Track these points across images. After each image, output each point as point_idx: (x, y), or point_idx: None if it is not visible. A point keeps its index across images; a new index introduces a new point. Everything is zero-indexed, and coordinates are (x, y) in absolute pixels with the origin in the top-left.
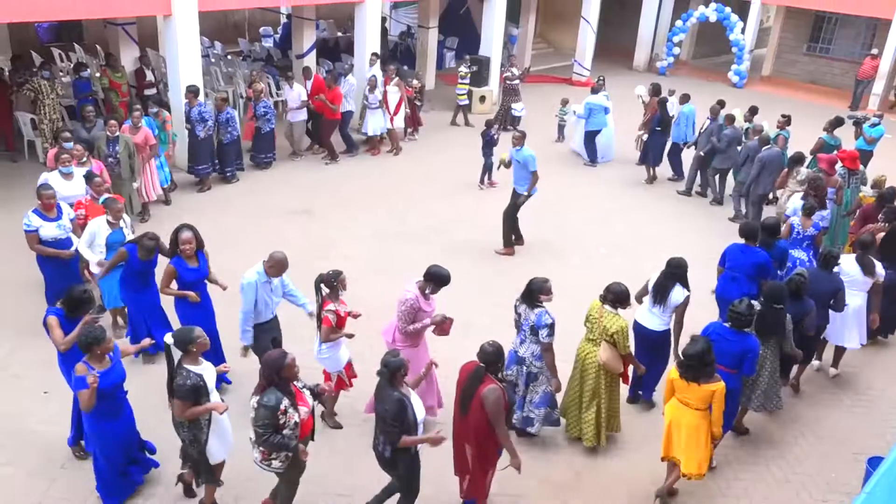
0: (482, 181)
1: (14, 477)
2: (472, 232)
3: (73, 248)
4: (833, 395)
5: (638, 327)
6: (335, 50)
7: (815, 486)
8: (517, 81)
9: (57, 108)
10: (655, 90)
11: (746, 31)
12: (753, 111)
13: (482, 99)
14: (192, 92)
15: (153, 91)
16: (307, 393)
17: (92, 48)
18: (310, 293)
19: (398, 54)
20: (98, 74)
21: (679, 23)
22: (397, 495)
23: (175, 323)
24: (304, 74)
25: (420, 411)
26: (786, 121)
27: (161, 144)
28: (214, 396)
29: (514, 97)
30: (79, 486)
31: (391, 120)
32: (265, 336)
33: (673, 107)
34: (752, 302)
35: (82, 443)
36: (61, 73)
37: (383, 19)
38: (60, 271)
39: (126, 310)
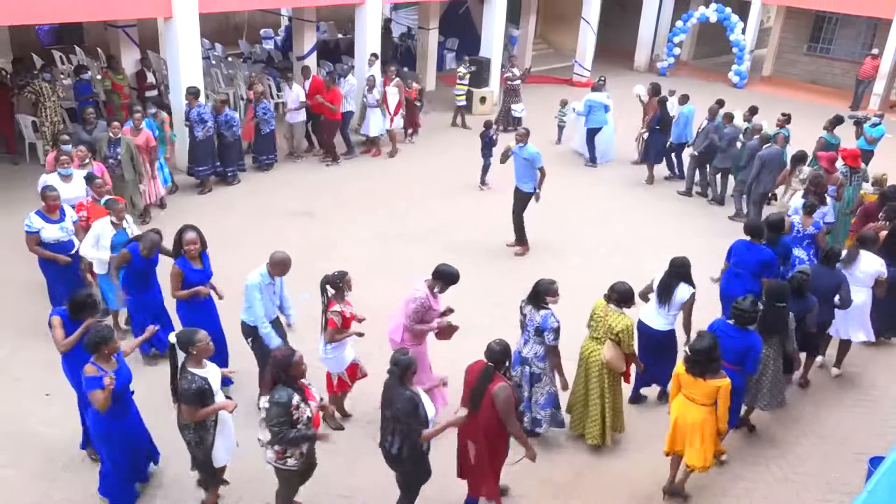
0: (483, 182)
1: (14, 478)
2: (472, 233)
3: (73, 252)
4: (835, 395)
5: (642, 327)
6: (336, 51)
7: (816, 486)
8: (518, 82)
9: (58, 110)
10: (655, 90)
11: (747, 31)
12: (753, 111)
13: (483, 100)
14: (192, 93)
15: (154, 93)
16: (314, 389)
17: (93, 50)
18: (311, 294)
19: (398, 56)
20: (99, 77)
21: (679, 23)
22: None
23: (178, 326)
24: (302, 74)
25: (430, 408)
26: (786, 119)
27: (160, 145)
28: (220, 398)
29: (514, 98)
30: (80, 487)
31: (391, 121)
32: None
33: (673, 107)
34: (756, 299)
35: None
36: (62, 76)
37: (388, 21)
38: (62, 273)
39: (126, 312)
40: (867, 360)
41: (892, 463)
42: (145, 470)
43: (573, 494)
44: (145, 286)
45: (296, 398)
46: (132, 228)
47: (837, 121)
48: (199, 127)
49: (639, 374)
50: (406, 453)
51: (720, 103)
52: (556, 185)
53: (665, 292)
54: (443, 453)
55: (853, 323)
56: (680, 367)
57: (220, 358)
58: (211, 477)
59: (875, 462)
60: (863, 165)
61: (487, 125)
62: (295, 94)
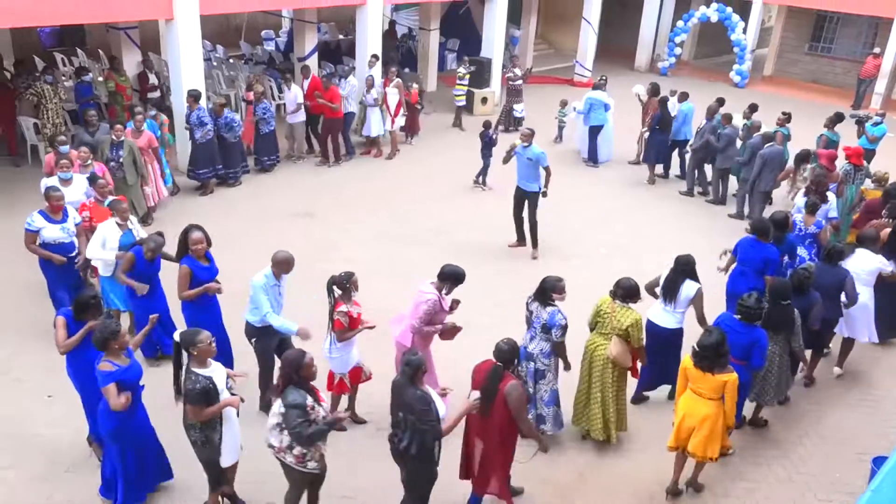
0: (483, 182)
1: (16, 480)
2: (472, 233)
3: (73, 254)
4: (837, 395)
5: (651, 326)
6: (337, 52)
7: (819, 486)
8: (520, 82)
9: (60, 112)
10: (654, 90)
11: (748, 30)
12: (753, 108)
13: (484, 100)
14: (193, 96)
15: (156, 94)
16: (321, 393)
17: (94, 52)
18: (312, 295)
19: (399, 56)
20: (101, 78)
21: (680, 23)
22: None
23: (182, 326)
24: (302, 74)
25: (441, 406)
26: (786, 118)
27: (160, 147)
28: (225, 397)
29: (517, 98)
30: (83, 489)
31: (392, 122)
32: (272, 339)
33: (673, 107)
34: (760, 296)
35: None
36: (64, 78)
37: (392, 23)
38: (62, 275)
39: (129, 314)
40: (869, 359)
41: None
42: (153, 480)
43: (575, 495)
44: (150, 291)
45: (309, 399)
46: (137, 229)
47: (837, 118)
48: (199, 130)
49: (644, 375)
50: (415, 450)
51: (720, 102)
52: (557, 185)
53: (671, 290)
54: (443, 453)
55: (857, 323)
56: (687, 360)
57: (224, 359)
58: (217, 477)
59: (878, 462)
60: (865, 164)
61: (487, 125)
62: (293, 94)
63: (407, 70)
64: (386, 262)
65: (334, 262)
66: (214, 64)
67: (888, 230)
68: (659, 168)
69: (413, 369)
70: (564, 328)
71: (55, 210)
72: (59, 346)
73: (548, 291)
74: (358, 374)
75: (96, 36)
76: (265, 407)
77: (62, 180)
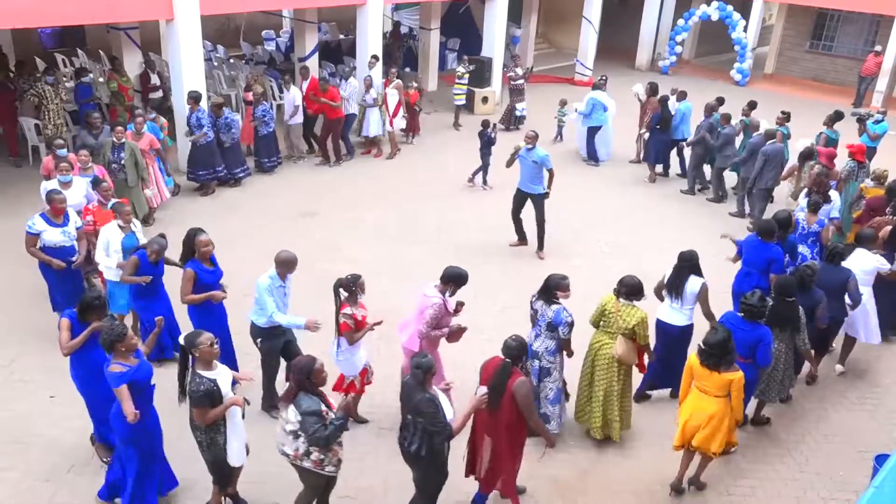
0: (484, 182)
1: (19, 481)
2: (473, 233)
3: (73, 258)
4: (839, 393)
5: (661, 324)
6: (337, 52)
7: (822, 485)
8: (522, 81)
9: (61, 113)
10: (653, 89)
11: (749, 29)
12: (752, 105)
13: (485, 100)
14: (194, 98)
15: (159, 94)
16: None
17: (95, 53)
18: (314, 295)
19: (402, 57)
20: (102, 79)
21: (681, 22)
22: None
23: (186, 329)
24: (301, 74)
25: (449, 409)
26: (785, 117)
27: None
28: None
29: (519, 97)
30: (85, 490)
31: (391, 122)
32: (277, 340)
33: (672, 106)
34: (764, 295)
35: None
36: (64, 79)
37: (396, 23)
38: (62, 279)
39: (131, 314)
40: (871, 357)
41: None
42: (156, 484)
43: (578, 493)
44: (153, 294)
45: (321, 405)
46: (140, 232)
47: (837, 116)
48: (198, 131)
49: (650, 373)
50: (425, 452)
51: (719, 101)
52: (557, 185)
53: (676, 286)
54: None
55: (856, 323)
56: (693, 358)
57: (227, 361)
58: (224, 478)
59: (881, 459)
60: (867, 161)
61: (485, 124)
62: (292, 96)
63: (407, 69)
64: (387, 261)
65: (335, 262)
66: (215, 64)
67: (888, 228)
68: (659, 167)
69: (423, 372)
70: (571, 325)
71: (57, 213)
72: (63, 347)
73: (552, 289)
74: (364, 376)
75: (97, 36)
76: (268, 408)
77: (62, 183)
